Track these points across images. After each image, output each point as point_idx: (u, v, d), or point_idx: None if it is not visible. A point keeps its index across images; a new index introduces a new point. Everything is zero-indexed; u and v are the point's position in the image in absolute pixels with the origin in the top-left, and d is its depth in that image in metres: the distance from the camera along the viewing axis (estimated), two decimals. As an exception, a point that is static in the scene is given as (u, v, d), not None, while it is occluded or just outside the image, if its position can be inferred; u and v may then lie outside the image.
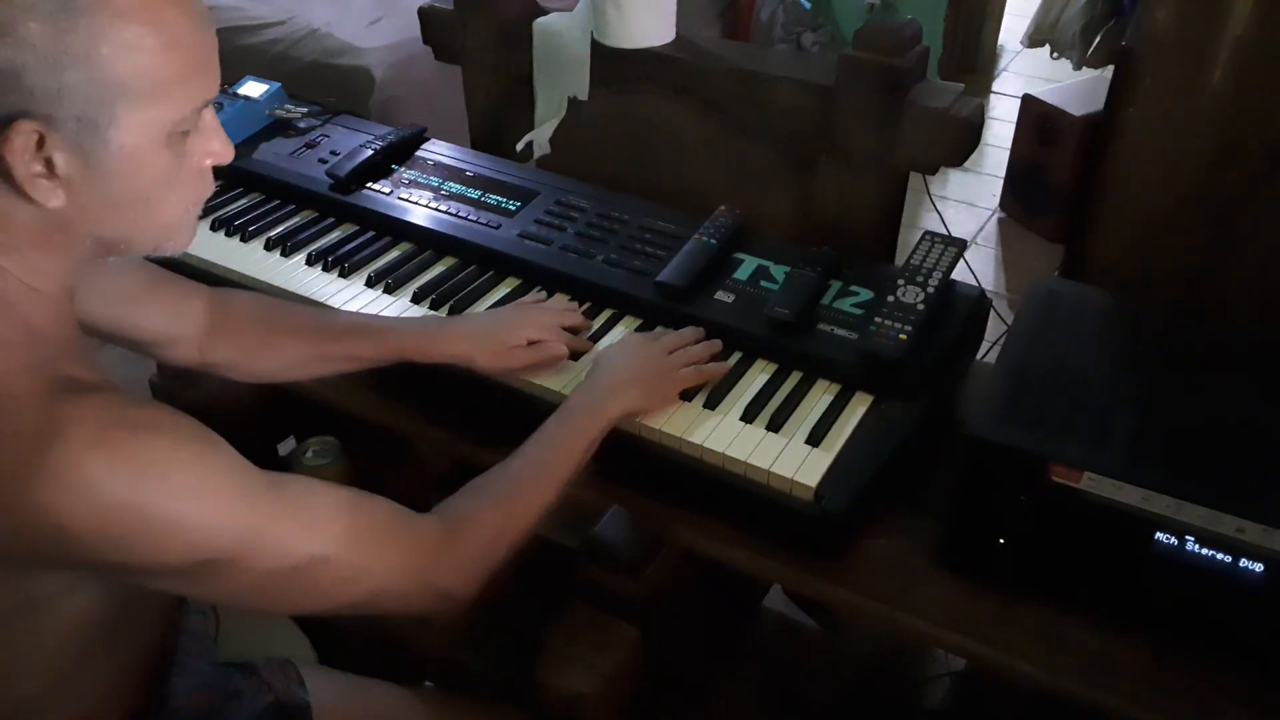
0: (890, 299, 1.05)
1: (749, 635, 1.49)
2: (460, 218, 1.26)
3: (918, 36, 1.19)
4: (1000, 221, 2.93)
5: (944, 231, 1.15)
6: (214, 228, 1.31)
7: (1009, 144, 2.86)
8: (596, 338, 1.12)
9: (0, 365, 0.70)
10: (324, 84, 2.39)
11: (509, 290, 1.20)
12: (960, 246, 1.11)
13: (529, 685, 1.01)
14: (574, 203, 1.27)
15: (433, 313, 1.17)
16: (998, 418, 0.89)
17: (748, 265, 1.15)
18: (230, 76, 1.53)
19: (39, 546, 0.69)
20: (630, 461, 1.00)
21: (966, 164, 1.24)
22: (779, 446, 0.97)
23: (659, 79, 1.35)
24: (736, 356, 1.07)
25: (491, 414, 1.09)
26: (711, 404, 1.02)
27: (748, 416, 1.00)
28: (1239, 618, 0.84)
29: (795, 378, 1.05)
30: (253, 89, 1.50)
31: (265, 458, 1.53)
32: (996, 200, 2.97)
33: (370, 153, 1.35)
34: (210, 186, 0.80)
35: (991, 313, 1.16)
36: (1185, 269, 1.51)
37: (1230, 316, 1.50)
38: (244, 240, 1.30)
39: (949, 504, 0.93)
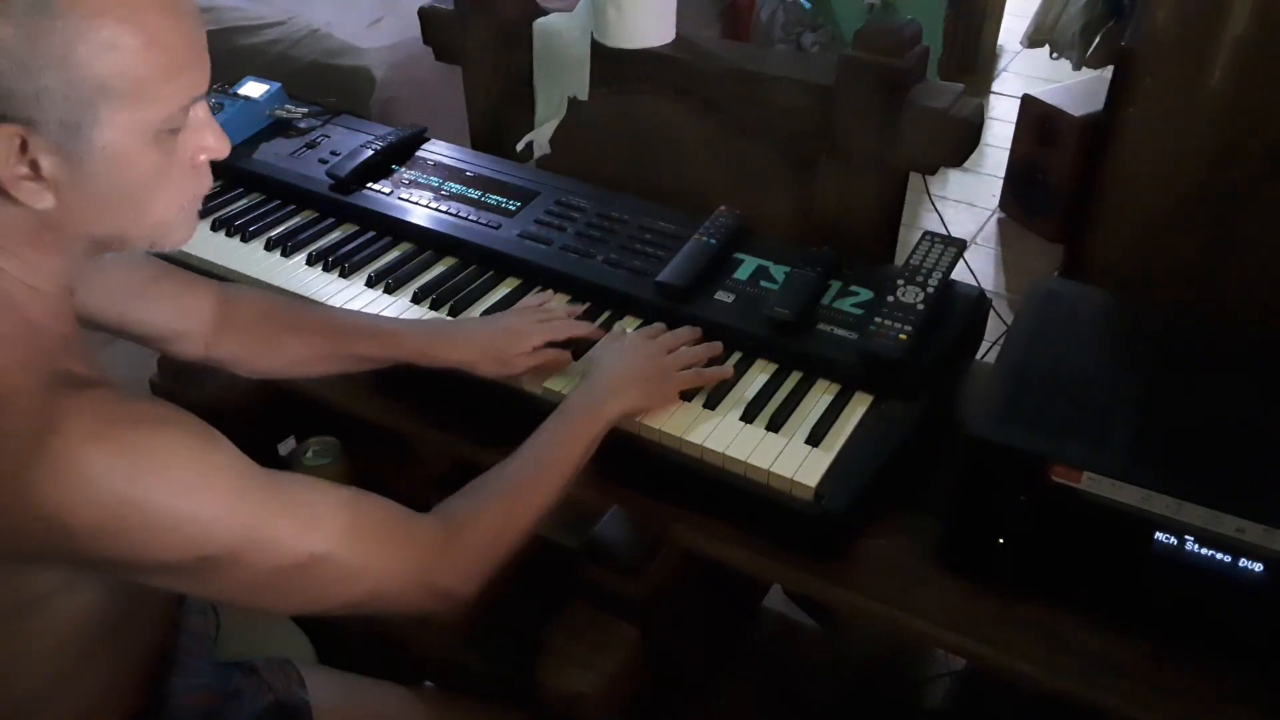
0: (890, 299, 1.05)
1: (749, 635, 1.49)
2: (460, 218, 1.26)
3: (918, 36, 1.19)
4: (1000, 221, 2.93)
5: (944, 231, 1.15)
6: (214, 228, 1.31)
7: (1009, 144, 2.85)
8: (596, 338, 1.13)
9: None
10: (324, 84, 2.39)
11: (509, 290, 1.20)
12: (960, 246, 1.11)
13: (529, 685, 1.01)
14: (574, 203, 1.27)
15: (433, 313, 1.17)
16: (998, 418, 0.89)
17: (748, 265, 1.15)
18: (230, 76, 1.54)
19: (39, 542, 0.69)
20: (630, 461, 1.00)
21: (966, 164, 1.24)
22: (779, 446, 0.97)
23: (659, 79, 1.36)
24: (736, 356, 1.07)
25: (491, 414, 1.09)
26: (711, 404, 1.02)
27: (748, 416, 1.00)
28: (1239, 618, 0.84)
29: (795, 378, 1.05)
30: (253, 89, 1.50)
31: (265, 457, 1.52)
32: (996, 200, 2.97)
33: (370, 153, 1.35)
34: (207, 181, 0.79)
35: (991, 313, 1.16)
36: (1185, 269, 1.51)
37: (1230, 316, 1.49)
38: (244, 240, 1.30)
39: (949, 504, 0.93)
